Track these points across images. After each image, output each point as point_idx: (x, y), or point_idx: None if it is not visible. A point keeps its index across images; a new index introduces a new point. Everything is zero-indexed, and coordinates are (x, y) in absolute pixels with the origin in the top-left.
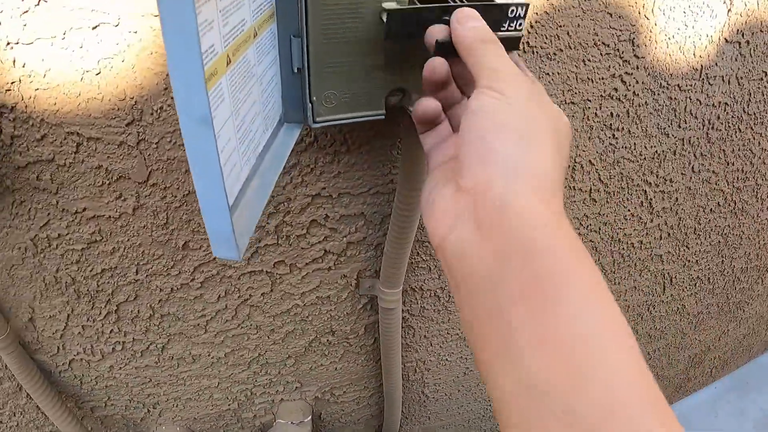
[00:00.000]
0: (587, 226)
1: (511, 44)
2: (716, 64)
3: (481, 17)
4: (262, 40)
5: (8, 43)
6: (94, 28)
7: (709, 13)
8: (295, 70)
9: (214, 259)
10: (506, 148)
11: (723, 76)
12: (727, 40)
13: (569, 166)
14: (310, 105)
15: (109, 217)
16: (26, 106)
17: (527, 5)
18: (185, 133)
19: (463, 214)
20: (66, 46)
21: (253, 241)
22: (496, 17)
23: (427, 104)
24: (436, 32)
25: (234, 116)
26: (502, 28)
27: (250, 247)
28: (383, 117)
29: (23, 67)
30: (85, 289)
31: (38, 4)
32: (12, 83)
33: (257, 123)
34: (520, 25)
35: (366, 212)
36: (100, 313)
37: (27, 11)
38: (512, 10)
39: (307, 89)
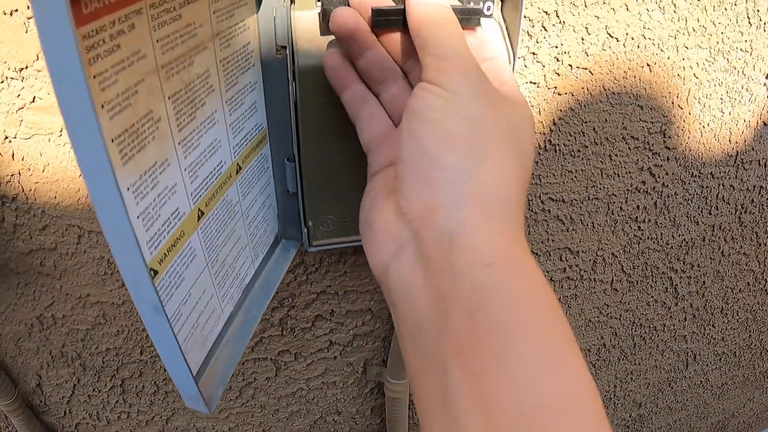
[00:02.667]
0: (607, 314)
1: (472, 17)
2: (753, 148)
3: None
4: (248, 171)
5: (6, 137)
6: None
7: (748, 98)
8: (290, 193)
9: None
10: (452, 167)
11: (759, 160)
12: (765, 123)
13: (591, 259)
14: (306, 229)
15: (113, 303)
16: (27, 198)
17: None
18: (141, 315)
19: (407, 243)
20: (63, 142)
21: (258, 331)
22: None
23: (342, 14)
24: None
25: (210, 265)
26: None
27: (254, 337)
28: None
29: (22, 160)
30: (91, 364)
31: (33, 101)
32: (12, 175)
33: (241, 259)
34: (489, 9)
35: (373, 308)
36: (106, 386)
37: (23, 107)
38: None
39: (302, 213)
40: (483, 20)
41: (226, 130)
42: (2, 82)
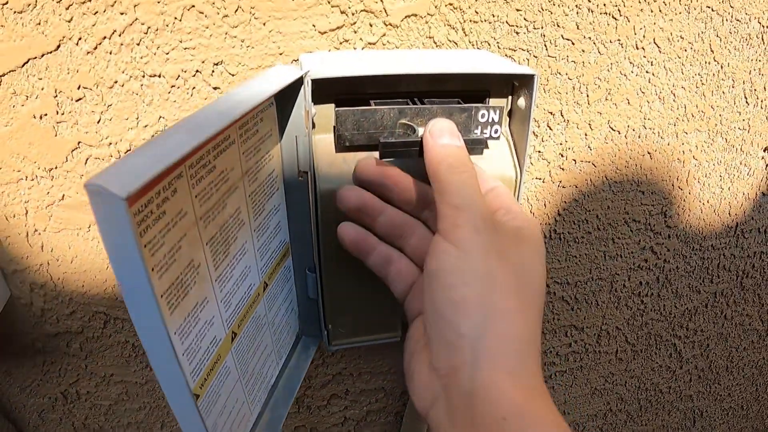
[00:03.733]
0: (612, 382)
1: (476, 146)
2: (752, 218)
3: (458, 133)
4: (274, 286)
5: (35, 230)
6: None
7: (746, 172)
8: (311, 298)
9: None
10: (467, 331)
11: (759, 228)
12: (764, 193)
13: (596, 334)
14: (326, 332)
15: (136, 382)
16: (55, 286)
17: (501, 109)
18: None
19: (439, 395)
20: (91, 237)
21: None
22: (461, 121)
23: (347, 194)
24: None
25: (242, 377)
26: (473, 134)
27: None
28: (398, 339)
29: (51, 252)
30: None
31: (62, 199)
32: (41, 265)
33: (268, 364)
34: (496, 131)
35: (386, 387)
36: None
37: (52, 204)
38: (482, 115)
39: (322, 318)
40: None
41: (255, 255)
42: (32, 180)
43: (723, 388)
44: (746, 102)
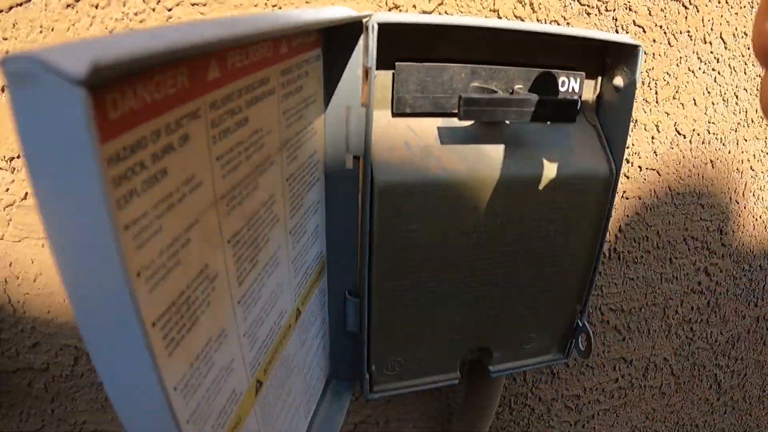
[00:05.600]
0: (653, 418)
1: (567, 110)
2: None
3: None
4: (307, 314)
5: None
6: None
7: None
8: (347, 331)
9: None
10: None
11: None
12: None
13: (643, 366)
14: (367, 375)
15: None
16: (15, 310)
17: (582, 76)
18: None
19: None
20: None
21: None
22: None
23: None
24: None
25: None
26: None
27: None
28: (456, 383)
29: (10, 266)
30: None
31: (25, 197)
32: None
33: (296, 419)
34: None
35: None
36: None
37: (12, 204)
38: (563, 82)
39: (365, 357)
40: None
41: (288, 269)
42: None
43: (753, 419)
44: None
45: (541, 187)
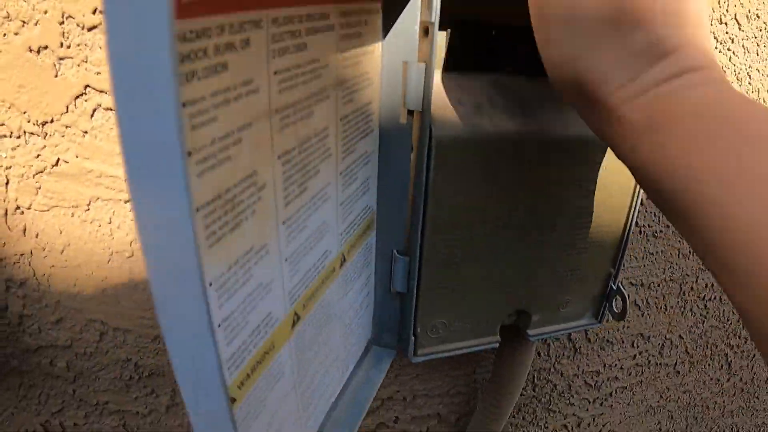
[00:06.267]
0: (667, 398)
1: None
2: None
3: None
4: (352, 265)
5: (18, 207)
6: (126, 201)
7: None
8: (394, 293)
9: None
10: None
11: None
12: None
13: (660, 343)
14: (413, 338)
15: (137, 412)
16: (39, 284)
17: None
18: None
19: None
20: (91, 219)
21: None
22: None
23: None
24: None
25: (297, 385)
26: None
27: None
28: (497, 345)
29: (36, 237)
30: None
31: (56, 164)
32: (21, 255)
33: (332, 373)
34: None
35: (441, 412)
36: None
37: (42, 171)
38: None
39: (411, 318)
40: None
41: (336, 210)
42: (19, 137)
43: (760, 402)
44: None
45: (585, 145)
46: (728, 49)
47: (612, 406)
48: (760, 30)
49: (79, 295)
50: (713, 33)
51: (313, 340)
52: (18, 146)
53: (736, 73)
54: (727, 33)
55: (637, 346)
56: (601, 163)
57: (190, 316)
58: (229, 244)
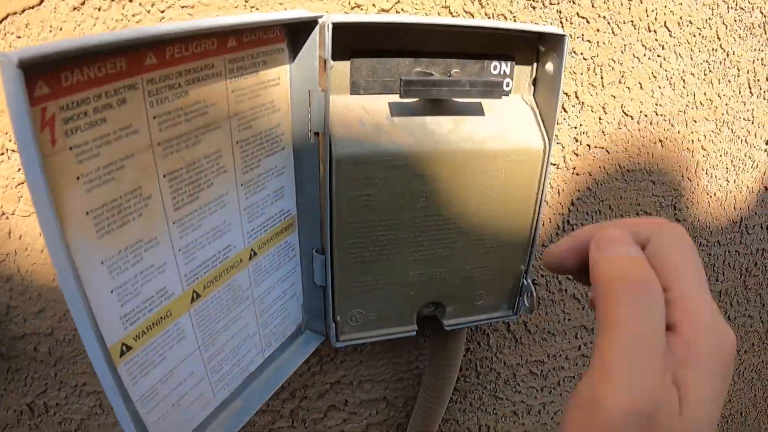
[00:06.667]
0: None
1: (493, 89)
2: (756, 213)
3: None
4: (265, 258)
5: (2, 213)
6: None
7: (750, 164)
8: (317, 285)
9: None
10: None
11: (762, 224)
12: (766, 188)
13: None
14: (333, 325)
15: None
16: (23, 279)
17: (513, 62)
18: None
19: None
20: None
21: (266, 423)
22: (474, 71)
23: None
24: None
25: (203, 349)
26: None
27: (261, 429)
28: (414, 334)
29: (20, 239)
30: None
31: None
32: (7, 255)
33: (249, 345)
34: (507, 85)
35: (388, 396)
36: None
37: (23, 183)
38: (495, 66)
39: (330, 307)
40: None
41: (239, 213)
42: (2, 153)
43: (724, 408)
44: (750, 92)
45: (481, 158)
46: (658, 56)
47: (561, 394)
48: (693, 36)
49: (58, 288)
50: (641, 41)
51: (219, 315)
52: (1, 162)
53: (669, 78)
54: (656, 41)
55: (581, 338)
56: (502, 174)
57: (68, 287)
58: (118, 236)
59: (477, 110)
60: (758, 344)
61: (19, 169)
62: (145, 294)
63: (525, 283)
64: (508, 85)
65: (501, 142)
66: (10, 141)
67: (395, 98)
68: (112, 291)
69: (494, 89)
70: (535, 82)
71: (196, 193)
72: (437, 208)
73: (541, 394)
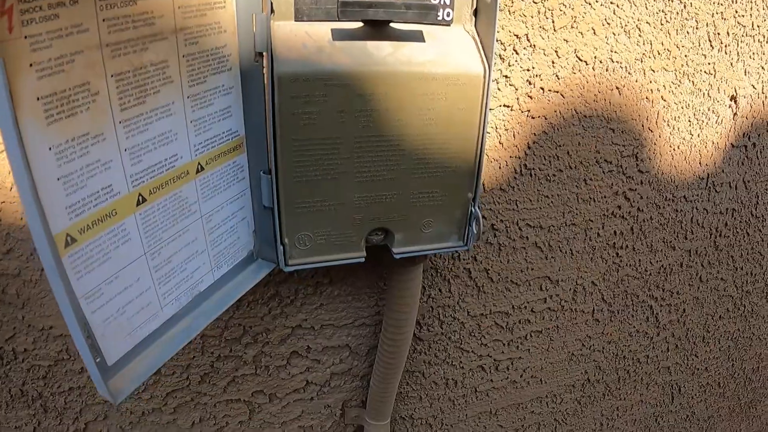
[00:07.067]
0: (590, 347)
1: (429, 12)
2: (723, 170)
3: None
4: (213, 174)
5: None
6: None
7: (714, 119)
8: (266, 207)
9: (189, 385)
10: None
11: (730, 182)
12: (733, 145)
13: (571, 288)
14: (282, 247)
15: None
16: None
17: None
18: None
19: None
20: None
21: (230, 370)
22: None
23: None
24: None
25: (150, 257)
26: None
27: (226, 377)
28: (363, 260)
29: None
30: (53, 405)
31: None
32: None
33: (197, 262)
34: (448, 15)
35: (351, 344)
36: (68, 429)
37: None
38: None
39: (278, 230)
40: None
41: (186, 125)
42: None
43: (700, 362)
44: (711, 45)
45: (420, 80)
46: (611, 2)
47: (529, 350)
48: None
49: (25, 227)
50: None
51: (166, 225)
52: None
53: (623, 26)
54: None
55: (546, 289)
56: (443, 97)
57: (17, 168)
58: (66, 125)
59: (417, 37)
60: (733, 310)
61: None
62: (90, 188)
63: (473, 210)
64: (449, 15)
65: (440, 66)
66: None
67: (338, 25)
68: (58, 179)
69: (429, 12)
70: (476, 13)
71: (143, 98)
72: (379, 129)
73: (508, 348)
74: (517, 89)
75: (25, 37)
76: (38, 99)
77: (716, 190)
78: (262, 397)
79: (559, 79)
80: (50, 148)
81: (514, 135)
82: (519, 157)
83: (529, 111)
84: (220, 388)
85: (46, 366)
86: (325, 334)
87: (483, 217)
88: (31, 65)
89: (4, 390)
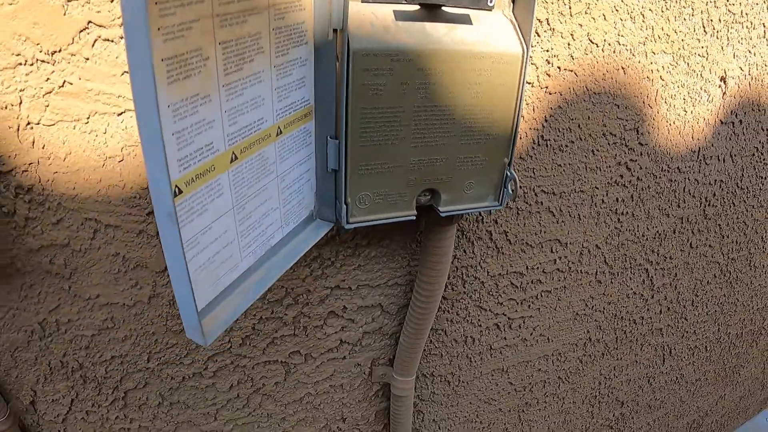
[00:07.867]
0: (592, 307)
1: None
2: (712, 145)
3: None
4: (288, 138)
5: (28, 123)
6: (119, 114)
7: (706, 98)
8: (330, 171)
9: (230, 348)
10: None
11: (719, 156)
12: (722, 122)
13: (578, 251)
14: (344, 206)
15: (124, 304)
16: (43, 189)
17: None
18: (159, 226)
19: None
20: (89, 130)
21: (270, 331)
22: None
23: None
24: None
25: (236, 210)
26: None
27: (266, 338)
28: (414, 218)
29: (42, 148)
30: (93, 375)
31: (62, 86)
32: (30, 164)
33: (271, 218)
34: (491, 1)
35: (383, 303)
36: (107, 399)
37: (51, 92)
38: None
39: (342, 190)
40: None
41: (272, 91)
42: (32, 64)
43: (689, 324)
44: (704, 31)
45: (470, 57)
46: None
47: (539, 309)
48: None
49: (77, 197)
50: None
51: (251, 182)
52: (31, 72)
53: (629, 11)
54: None
55: (556, 251)
56: (488, 72)
57: (153, 127)
58: (182, 85)
59: (466, 20)
60: (719, 276)
61: (48, 79)
62: (197, 143)
63: (508, 174)
64: (491, 1)
65: (487, 46)
66: (41, 51)
67: (399, 7)
68: (173, 134)
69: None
70: (513, 0)
71: (241, 65)
72: (434, 100)
73: (521, 307)
74: (537, 68)
75: (156, 2)
76: (162, 60)
77: (706, 163)
78: (298, 357)
79: (573, 59)
80: (169, 106)
81: (534, 109)
82: (537, 129)
83: (546, 87)
84: (259, 350)
85: (89, 336)
86: (361, 294)
87: (519, 180)
88: (159, 29)
89: (43, 363)
